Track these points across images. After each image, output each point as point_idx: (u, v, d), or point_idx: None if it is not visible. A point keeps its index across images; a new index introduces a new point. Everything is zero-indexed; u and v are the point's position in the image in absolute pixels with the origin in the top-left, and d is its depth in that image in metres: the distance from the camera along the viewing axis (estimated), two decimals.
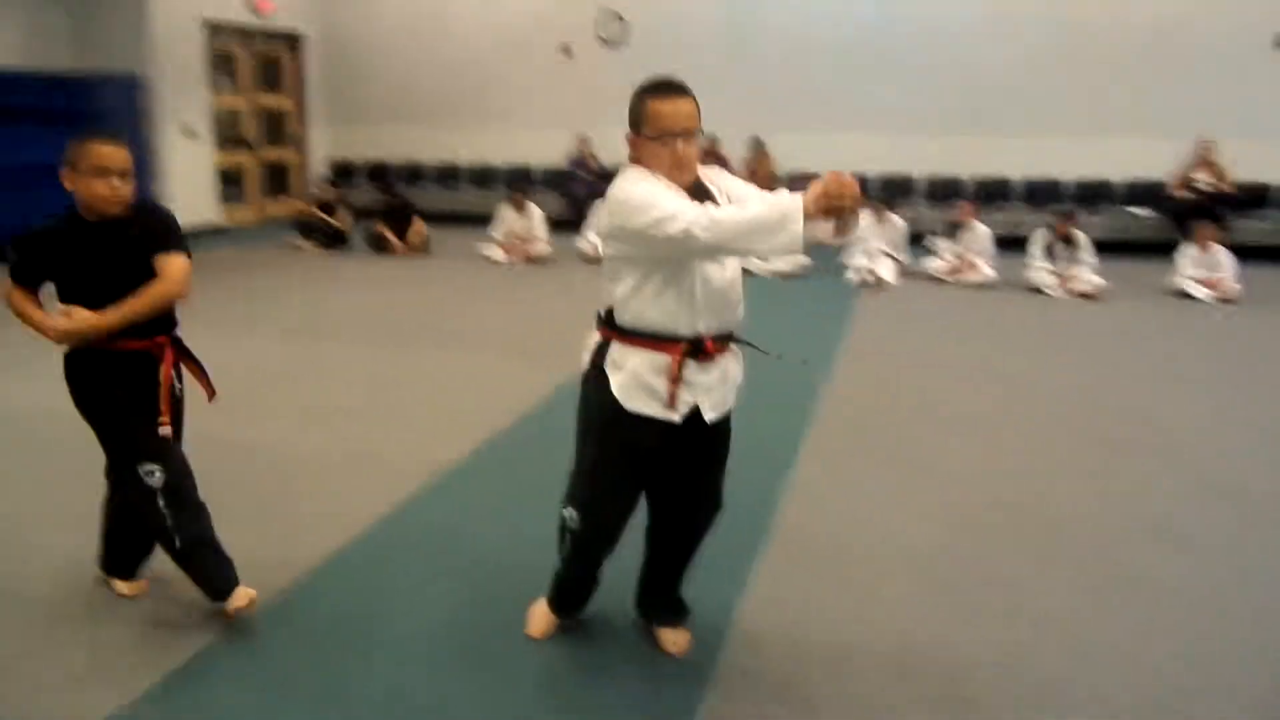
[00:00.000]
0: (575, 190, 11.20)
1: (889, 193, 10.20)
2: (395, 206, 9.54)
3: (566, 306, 6.97)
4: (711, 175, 2.28)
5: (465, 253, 9.36)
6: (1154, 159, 9.68)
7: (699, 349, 2.19)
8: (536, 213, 9.29)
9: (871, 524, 3.37)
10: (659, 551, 2.54)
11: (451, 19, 11.90)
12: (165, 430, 2.51)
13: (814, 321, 6.82)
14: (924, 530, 3.30)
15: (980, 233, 8.29)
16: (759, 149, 10.90)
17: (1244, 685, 2.43)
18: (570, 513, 2.38)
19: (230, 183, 11.35)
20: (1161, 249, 9.26)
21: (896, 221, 8.62)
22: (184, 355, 2.64)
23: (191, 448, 2.67)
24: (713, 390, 2.25)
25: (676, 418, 2.21)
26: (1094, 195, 9.94)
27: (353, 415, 4.52)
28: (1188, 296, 7.64)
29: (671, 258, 2.10)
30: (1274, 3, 9.33)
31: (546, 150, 11.58)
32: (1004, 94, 10.00)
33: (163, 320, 2.54)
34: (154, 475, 2.48)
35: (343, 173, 12.15)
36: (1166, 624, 2.72)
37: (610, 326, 2.25)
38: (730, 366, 2.31)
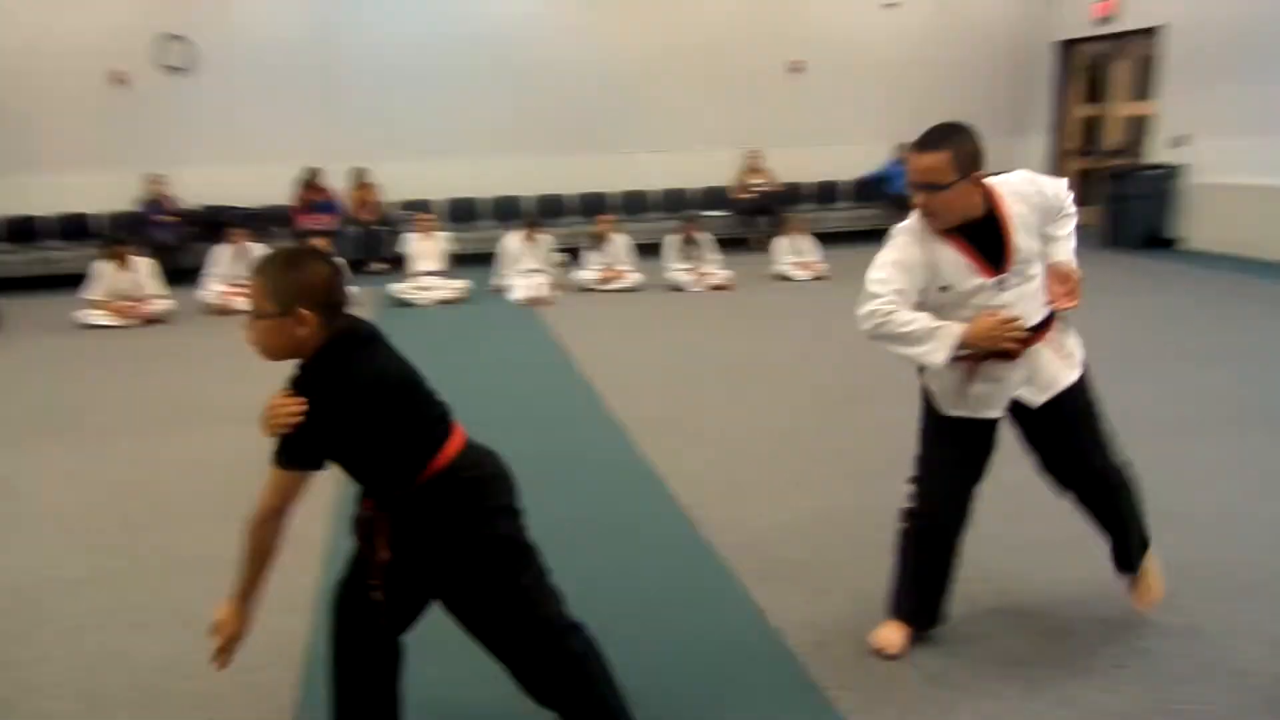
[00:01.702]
0: (158, 236, 9.83)
1: (503, 215, 10.60)
2: None
3: (204, 371, 6.16)
4: (1006, 192, 2.38)
5: (46, 322, 7.79)
6: (719, 169, 11.32)
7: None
8: (144, 265, 8.03)
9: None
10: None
11: None
12: None
13: (524, 343, 6.94)
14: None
15: (620, 242, 9.01)
16: (360, 180, 10.56)
17: None
18: None
19: None
20: (732, 244, 10.74)
21: (543, 239, 8.99)
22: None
23: None
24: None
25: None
26: (675, 203, 11.26)
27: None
28: (788, 279, 9.11)
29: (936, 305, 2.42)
30: (786, 35, 11.40)
31: (108, 195, 9.98)
32: (596, 115, 10.96)
33: None
34: None
35: None
36: None
37: None
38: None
